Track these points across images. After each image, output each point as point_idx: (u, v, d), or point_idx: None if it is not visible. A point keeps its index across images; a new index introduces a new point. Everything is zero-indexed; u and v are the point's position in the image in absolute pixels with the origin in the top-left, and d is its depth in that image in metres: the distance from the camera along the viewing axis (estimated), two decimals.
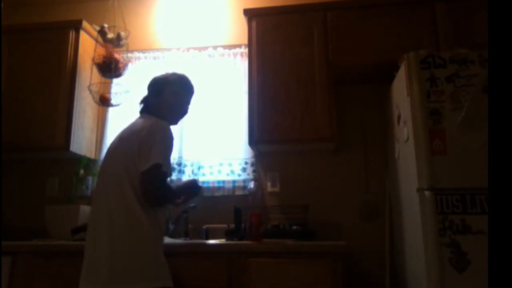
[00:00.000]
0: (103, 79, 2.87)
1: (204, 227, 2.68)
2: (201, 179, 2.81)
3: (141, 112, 2.01)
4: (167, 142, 1.81)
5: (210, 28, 3.13)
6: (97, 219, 1.79)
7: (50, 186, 3.01)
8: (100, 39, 2.82)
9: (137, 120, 1.96)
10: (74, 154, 2.80)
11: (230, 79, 2.95)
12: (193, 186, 2.14)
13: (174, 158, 2.83)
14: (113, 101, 2.84)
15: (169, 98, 1.97)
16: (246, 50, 2.83)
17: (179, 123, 2.13)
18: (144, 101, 2.02)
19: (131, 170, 1.75)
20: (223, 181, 2.83)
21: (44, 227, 2.61)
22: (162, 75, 2.05)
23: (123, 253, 1.68)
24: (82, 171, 2.81)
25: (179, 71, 2.13)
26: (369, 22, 2.59)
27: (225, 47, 3.02)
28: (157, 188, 1.74)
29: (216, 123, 2.89)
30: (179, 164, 2.84)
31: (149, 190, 1.72)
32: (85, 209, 2.56)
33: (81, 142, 2.85)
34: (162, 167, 1.74)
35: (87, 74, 2.87)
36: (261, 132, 2.58)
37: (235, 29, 3.07)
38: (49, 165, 3.02)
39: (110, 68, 2.72)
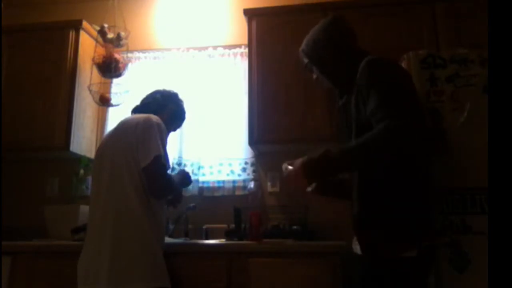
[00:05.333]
0: (103, 79, 2.88)
1: (204, 227, 2.68)
2: (201, 179, 2.82)
3: (134, 112, 2.05)
4: (163, 134, 1.85)
5: (210, 28, 3.13)
6: (96, 220, 1.79)
7: (50, 186, 3.01)
8: (100, 39, 2.82)
9: (128, 117, 1.97)
10: (74, 154, 2.80)
11: (230, 79, 2.95)
12: (184, 177, 2.15)
13: (174, 158, 2.84)
14: (113, 101, 2.84)
15: (169, 113, 2.07)
16: (246, 50, 2.83)
17: None
18: (143, 106, 2.06)
19: (132, 167, 1.76)
20: (223, 181, 2.83)
21: (44, 227, 2.61)
22: (167, 90, 2.17)
23: (123, 254, 1.68)
24: (82, 171, 2.81)
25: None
26: (369, 22, 2.59)
27: (225, 47, 3.02)
28: (161, 180, 1.79)
29: (216, 123, 2.89)
30: (179, 164, 2.84)
31: (153, 183, 1.76)
32: (85, 209, 2.54)
33: (81, 142, 2.85)
34: (162, 159, 1.77)
35: (87, 74, 2.87)
36: (261, 132, 2.58)
37: (235, 29, 3.07)
38: (49, 165, 3.03)
39: (110, 68, 2.72)
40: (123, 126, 1.89)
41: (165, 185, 1.83)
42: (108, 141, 1.91)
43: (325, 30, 1.53)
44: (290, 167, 1.37)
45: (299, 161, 1.32)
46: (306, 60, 1.59)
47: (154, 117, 1.87)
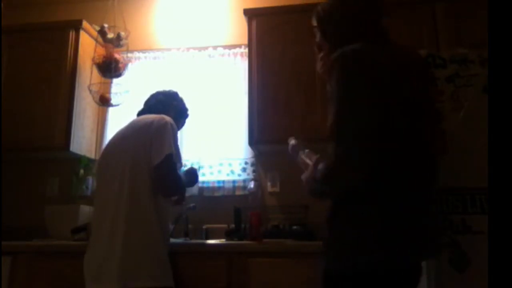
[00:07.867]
0: (103, 79, 2.87)
1: (204, 227, 2.68)
2: (201, 179, 2.82)
3: (140, 115, 2.05)
4: (175, 133, 1.88)
5: (210, 28, 3.13)
6: (106, 219, 1.78)
7: (50, 186, 3.01)
8: (100, 39, 2.82)
9: (139, 117, 1.98)
10: (74, 154, 2.80)
11: (230, 79, 2.95)
12: (192, 175, 2.16)
13: None
14: (113, 101, 2.84)
15: (175, 111, 2.11)
16: (246, 50, 2.83)
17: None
18: (149, 108, 2.06)
19: (142, 166, 1.77)
20: (223, 181, 2.83)
21: (44, 227, 2.61)
22: (168, 90, 2.21)
23: (135, 252, 1.70)
24: (82, 171, 2.81)
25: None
26: None
27: (225, 47, 3.03)
28: (170, 178, 1.81)
29: (216, 123, 2.89)
30: None
31: (162, 181, 1.79)
32: (85, 209, 2.56)
33: (81, 142, 2.85)
34: (173, 157, 1.80)
35: (87, 74, 2.87)
36: (261, 132, 2.58)
37: (235, 29, 3.07)
38: (49, 165, 3.02)
39: (110, 68, 2.72)
40: (135, 126, 1.91)
41: (173, 184, 1.85)
42: (118, 140, 1.91)
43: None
44: (293, 141, 1.65)
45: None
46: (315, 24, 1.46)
47: (167, 117, 1.91)
